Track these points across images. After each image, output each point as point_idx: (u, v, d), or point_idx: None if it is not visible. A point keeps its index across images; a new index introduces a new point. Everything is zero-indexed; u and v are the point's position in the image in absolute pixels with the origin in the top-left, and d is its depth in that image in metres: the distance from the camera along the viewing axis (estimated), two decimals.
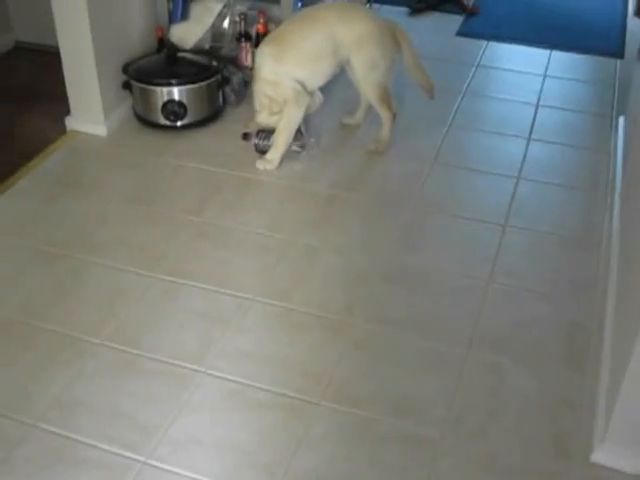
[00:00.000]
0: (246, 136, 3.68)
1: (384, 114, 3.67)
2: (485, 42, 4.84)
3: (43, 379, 2.60)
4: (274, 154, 3.60)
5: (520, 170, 3.63)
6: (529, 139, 3.87)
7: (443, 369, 2.64)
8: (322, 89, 3.71)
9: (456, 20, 5.10)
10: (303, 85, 3.52)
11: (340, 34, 3.48)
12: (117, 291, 2.96)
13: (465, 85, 4.32)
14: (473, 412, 2.49)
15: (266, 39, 3.58)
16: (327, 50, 3.50)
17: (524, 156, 3.74)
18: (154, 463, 2.34)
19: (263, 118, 3.60)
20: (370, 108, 3.83)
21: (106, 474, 2.30)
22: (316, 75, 3.58)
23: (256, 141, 3.67)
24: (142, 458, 2.35)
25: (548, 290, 2.97)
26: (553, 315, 2.87)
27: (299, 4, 3.88)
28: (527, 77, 4.47)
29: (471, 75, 4.43)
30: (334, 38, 3.48)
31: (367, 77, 3.57)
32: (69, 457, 2.36)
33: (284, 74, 3.48)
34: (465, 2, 5.20)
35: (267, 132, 3.65)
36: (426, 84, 3.78)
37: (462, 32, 4.97)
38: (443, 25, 5.04)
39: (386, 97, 3.64)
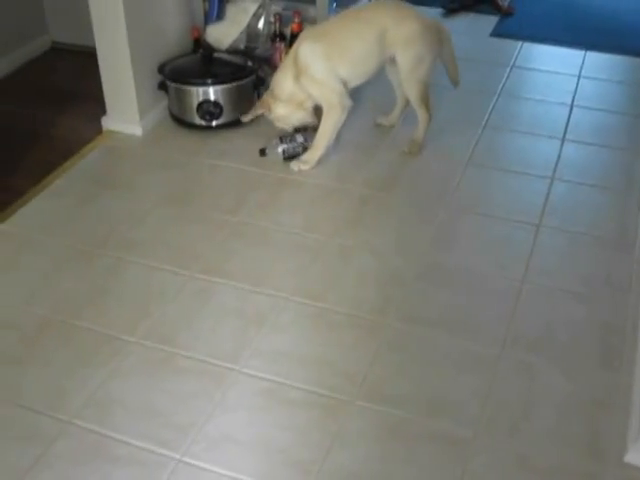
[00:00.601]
0: (263, 152, 3.69)
1: (422, 114, 3.66)
2: (520, 43, 4.81)
3: (79, 377, 2.62)
4: (313, 155, 3.60)
5: (554, 170, 3.60)
6: (563, 140, 3.84)
7: (477, 369, 2.63)
8: (356, 89, 3.70)
9: (491, 21, 5.07)
10: (345, 85, 3.53)
11: (390, 33, 3.48)
12: (153, 290, 2.98)
13: (500, 86, 4.29)
14: (507, 412, 2.48)
15: (310, 36, 3.53)
16: (375, 50, 3.51)
17: (558, 157, 3.71)
18: (189, 460, 2.35)
19: (282, 111, 3.63)
20: (405, 109, 3.82)
21: (141, 471, 2.32)
22: (360, 75, 3.59)
23: (284, 147, 3.66)
24: (177, 455, 2.36)
25: (582, 290, 2.95)
26: (587, 315, 2.84)
27: (334, 4, 3.87)
28: (562, 78, 4.44)
29: (506, 76, 4.40)
30: (383, 37, 3.48)
31: (411, 75, 3.57)
32: (104, 454, 2.37)
33: (333, 73, 3.48)
34: (500, 3, 5.17)
35: (290, 136, 3.66)
36: (454, 80, 3.83)
37: (497, 33, 4.94)
38: (477, 26, 5.01)
39: (426, 96, 3.64)
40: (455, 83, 3.85)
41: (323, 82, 3.48)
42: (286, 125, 3.69)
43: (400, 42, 3.50)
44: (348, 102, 3.56)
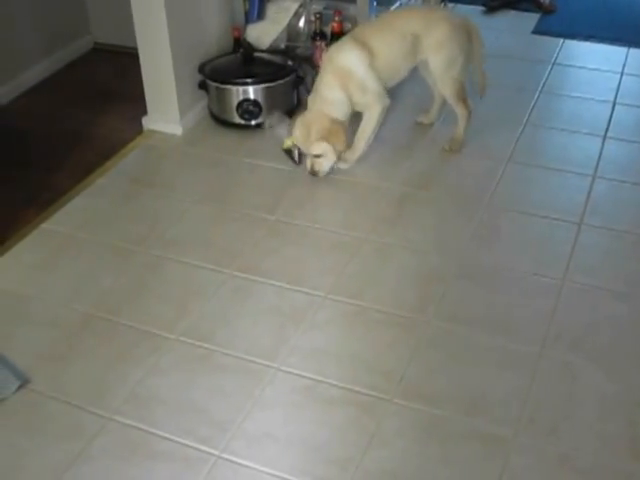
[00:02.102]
0: (290, 152, 3.65)
1: (461, 111, 3.66)
2: (561, 40, 4.76)
3: (120, 373, 2.66)
4: (353, 155, 3.60)
5: (596, 168, 3.57)
6: (605, 137, 3.80)
7: (517, 368, 2.61)
8: (394, 87, 3.70)
9: (532, 18, 5.03)
10: (384, 85, 3.55)
11: (423, 38, 3.50)
12: (192, 287, 3.00)
13: (541, 83, 4.26)
14: (547, 411, 2.46)
15: (349, 42, 3.53)
16: (410, 54, 3.54)
17: (600, 154, 3.67)
18: (228, 457, 2.37)
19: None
20: (443, 107, 3.82)
21: (181, 467, 2.34)
22: (395, 77, 3.62)
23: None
24: (216, 452, 2.38)
25: (624, 289, 2.92)
26: (629, 315, 2.81)
27: (374, 3, 3.87)
28: (604, 75, 4.39)
29: (547, 73, 4.37)
30: (417, 42, 3.51)
31: (445, 75, 3.58)
32: (145, 449, 2.40)
33: (374, 75, 3.48)
34: (541, 0, 5.13)
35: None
36: (480, 82, 3.81)
37: (538, 30, 4.90)
38: (519, 23, 4.98)
39: (462, 93, 3.64)
40: (481, 90, 3.83)
41: (366, 85, 3.48)
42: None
43: (432, 46, 3.52)
44: (387, 101, 3.57)
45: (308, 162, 3.53)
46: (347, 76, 3.47)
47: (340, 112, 3.50)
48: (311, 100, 3.55)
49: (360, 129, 3.59)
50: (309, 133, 3.46)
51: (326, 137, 3.44)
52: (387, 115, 3.63)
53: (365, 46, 3.47)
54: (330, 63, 3.51)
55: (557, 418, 2.44)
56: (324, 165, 3.51)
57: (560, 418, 2.44)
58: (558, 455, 2.33)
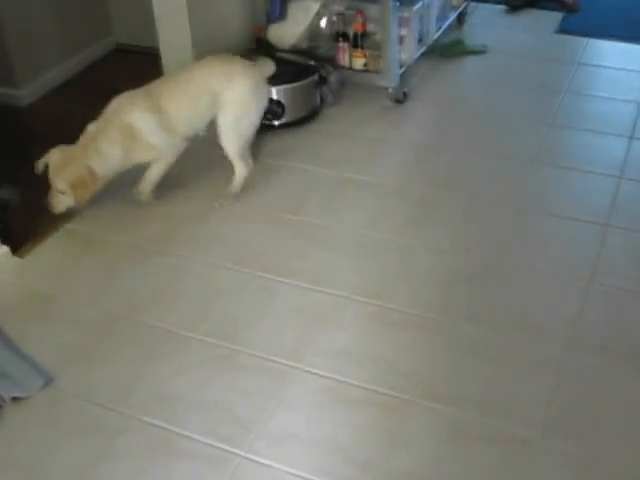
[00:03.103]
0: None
1: (239, 170, 3.53)
2: (586, 39, 4.75)
3: (144, 372, 2.68)
4: (144, 189, 3.51)
5: (622, 169, 3.56)
6: (631, 138, 3.79)
7: (542, 370, 2.61)
8: None
9: (555, 17, 5.01)
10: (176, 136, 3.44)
11: (222, 94, 3.39)
12: (215, 288, 3.02)
13: (566, 83, 4.25)
14: (573, 413, 2.46)
15: (141, 101, 3.39)
16: (208, 109, 3.42)
17: (626, 155, 3.66)
18: (252, 457, 2.38)
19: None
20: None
21: (205, 466, 2.36)
22: (194, 129, 3.49)
23: None
24: (240, 452, 2.40)
25: None
26: None
27: (397, 3, 3.88)
28: (629, 75, 4.37)
29: (572, 73, 4.36)
30: (216, 98, 3.40)
31: (231, 131, 3.46)
32: (169, 448, 2.42)
33: (164, 136, 3.39)
34: None
35: None
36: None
37: (562, 29, 4.89)
38: (542, 22, 4.96)
39: (245, 152, 3.54)
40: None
41: (154, 145, 3.38)
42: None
43: (228, 102, 3.40)
44: (181, 149, 3.50)
45: (51, 192, 3.33)
46: (133, 137, 3.34)
47: (105, 169, 3.32)
48: (88, 136, 3.39)
49: (148, 173, 3.48)
50: (64, 167, 3.28)
51: (74, 184, 3.25)
52: (410, 116, 3.63)
53: (157, 105, 3.36)
54: (118, 117, 3.36)
55: (583, 421, 2.44)
56: (61, 202, 3.32)
57: (586, 421, 2.44)
58: (584, 457, 2.33)
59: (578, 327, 2.77)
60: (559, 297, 2.91)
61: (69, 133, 4.12)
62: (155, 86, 3.46)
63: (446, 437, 2.42)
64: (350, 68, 4.14)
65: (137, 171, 3.45)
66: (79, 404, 2.58)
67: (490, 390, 2.56)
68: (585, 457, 2.33)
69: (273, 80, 3.81)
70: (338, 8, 4.11)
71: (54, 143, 4.04)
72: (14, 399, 2.59)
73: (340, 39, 4.10)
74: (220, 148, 3.47)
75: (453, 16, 4.69)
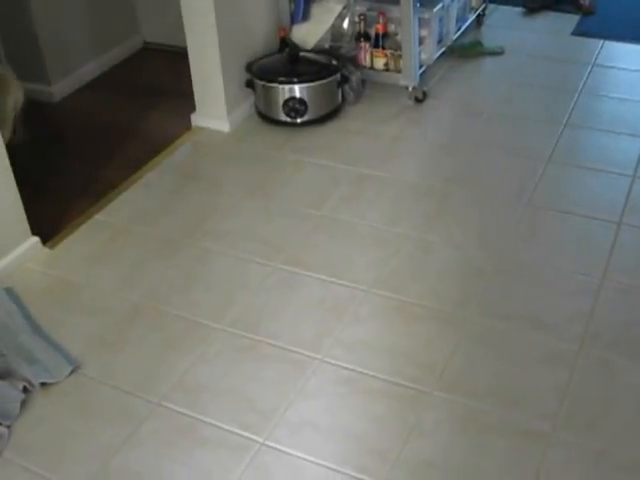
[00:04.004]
0: None
1: None
2: (601, 41, 4.69)
3: (168, 361, 2.68)
4: None
5: (636, 169, 3.51)
6: None
7: (555, 364, 2.59)
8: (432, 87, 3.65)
9: (572, 19, 4.96)
10: None
11: None
12: (238, 279, 3.01)
13: (581, 84, 4.20)
14: (585, 407, 2.43)
15: None
16: None
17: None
18: (272, 444, 2.37)
19: None
20: None
21: (227, 453, 2.35)
22: None
23: None
24: (260, 439, 2.39)
25: None
26: None
27: (418, 4, 3.85)
28: None
29: (587, 74, 4.31)
30: None
31: None
32: (191, 435, 2.42)
33: None
34: (581, 1, 5.06)
35: None
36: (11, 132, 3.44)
37: (578, 31, 4.84)
38: (558, 25, 4.91)
39: None
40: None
41: None
42: None
43: None
44: None
45: None
46: None
47: None
48: None
49: None
50: None
51: None
52: (430, 114, 3.60)
53: None
54: None
55: (595, 414, 2.41)
56: None
57: (598, 414, 2.41)
58: (596, 451, 2.30)
59: (590, 322, 2.74)
60: (572, 293, 2.87)
61: (97, 127, 4.16)
62: None
63: (463, 428, 2.39)
64: (371, 68, 4.13)
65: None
66: (106, 390, 2.58)
67: (503, 383, 2.53)
68: (597, 450, 2.30)
69: (297, 78, 3.81)
70: (360, 9, 4.10)
71: (83, 137, 4.08)
72: (43, 384, 2.59)
73: (362, 39, 4.08)
74: (245, 143, 3.45)
75: (472, 18, 4.66)
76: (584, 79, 4.26)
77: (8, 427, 2.45)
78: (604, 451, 2.30)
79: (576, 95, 4.11)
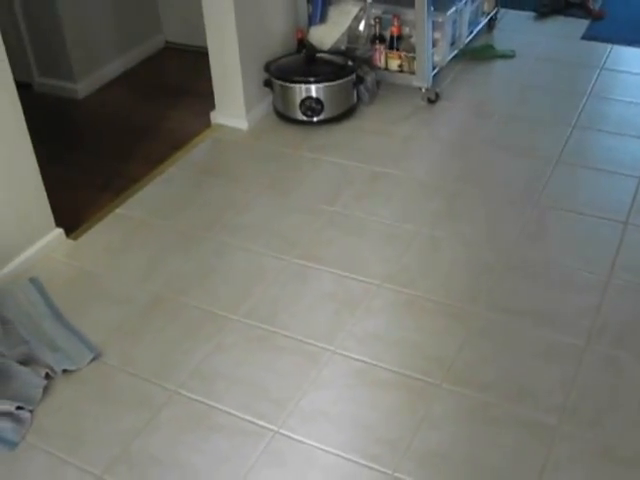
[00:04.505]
0: None
1: None
2: (610, 46, 4.66)
3: (186, 350, 2.68)
4: None
5: None
6: None
7: (562, 359, 2.57)
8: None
9: (581, 24, 4.93)
10: None
11: None
12: (254, 272, 3.01)
13: (589, 87, 4.18)
14: (591, 402, 2.42)
15: None
16: None
17: None
18: (285, 432, 2.37)
19: None
20: None
21: (242, 439, 2.36)
22: None
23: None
24: (274, 427, 2.39)
25: None
26: None
27: (432, 8, 3.84)
28: None
29: (595, 78, 4.29)
30: None
31: None
32: (207, 422, 2.42)
33: None
34: (591, 6, 5.04)
35: None
36: None
37: (587, 36, 4.81)
38: (568, 29, 4.88)
39: None
40: None
41: None
42: None
43: None
44: None
45: None
46: None
47: None
48: None
49: None
50: None
51: None
52: (442, 115, 3.59)
53: None
54: None
55: (601, 409, 2.40)
56: None
57: (604, 409, 2.40)
58: (601, 445, 2.29)
59: (597, 319, 2.72)
60: (579, 290, 2.86)
61: (119, 124, 4.17)
62: None
63: (471, 420, 2.39)
64: (386, 69, 4.12)
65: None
66: (125, 378, 2.59)
67: (511, 376, 2.52)
68: (602, 444, 2.29)
69: (314, 78, 3.80)
70: (376, 12, 4.09)
71: (105, 132, 4.09)
72: (65, 371, 2.60)
73: (377, 41, 4.07)
74: (263, 140, 3.45)
75: (484, 21, 4.64)
76: (593, 82, 4.24)
77: (30, 412, 2.47)
78: (609, 445, 2.29)
79: (585, 98, 4.09)
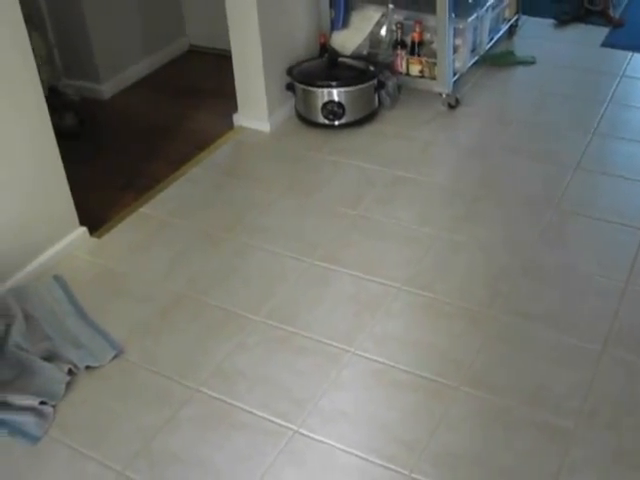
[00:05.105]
0: None
1: None
2: (630, 53, 4.63)
3: (207, 349, 2.68)
4: None
5: None
6: None
7: (579, 364, 2.56)
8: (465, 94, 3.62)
9: (601, 32, 4.90)
10: None
11: None
12: (276, 273, 3.01)
13: (609, 94, 4.15)
14: (607, 406, 2.41)
15: None
16: None
17: None
18: (304, 432, 2.37)
19: None
20: None
21: (261, 438, 2.36)
22: None
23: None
24: (294, 427, 2.39)
25: None
26: None
27: (453, 14, 3.83)
28: None
29: (615, 85, 4.26)
30: None
31: None
32: (228, 420, 2.42)
33: None
34: (611, 14, 5.01)
35: None
36: None
37: (607, 43, 4.78)
38: (588, 36, 4.86)
39: None
40: None
41: None
42: None
43: None
44: None
45: None
46: None
47: None
48: None
49: None
50: None
51: None
52: (462, 120, 3.58)
53: None
54: None
55: (617, 414, 2.38)
56: None
57: (620, 414, 2.38)
58: (617, 449, 2.27)
59: (614, 325, 2.70)
60: (597, 296, 2.84)
61: (143, 125, 4.18)
62: None
63: (488, 423, 2.38)
64: (407, 74, 4.11)
65: None
66: (147, 375, 2.59)
67: (527, 380, 2.51)
68: (618, 448, 2.28)
69: (336, 83, 3.81)
70: (398, 18, 4.09)
71: (130, 133, 4.10)
72: (87, 368, 2.61)
73: (399, 47, 4.07)
74: (285, 143, 3.45)
75: (505, 28, 4.63)
76: (613, 89, 4.21)
77: (53, 407, 2.48)
78: (625, 450, 2.27)
79: (605, 105, 4.06)
